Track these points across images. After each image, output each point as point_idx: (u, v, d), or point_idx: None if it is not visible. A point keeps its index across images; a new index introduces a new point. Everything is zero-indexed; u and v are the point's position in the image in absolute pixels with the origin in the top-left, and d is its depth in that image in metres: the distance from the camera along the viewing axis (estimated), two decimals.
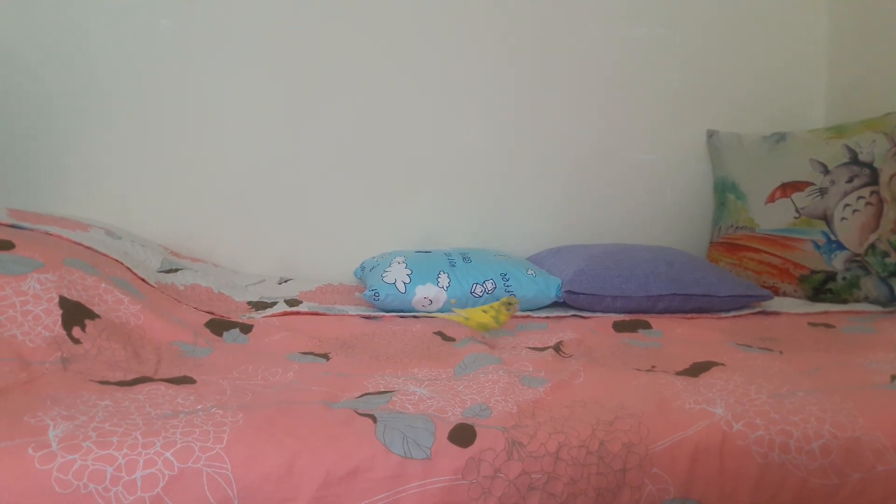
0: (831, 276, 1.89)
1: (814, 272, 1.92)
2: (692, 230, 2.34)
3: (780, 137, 2.07)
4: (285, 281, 2.00)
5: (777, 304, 1.84)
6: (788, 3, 2.31)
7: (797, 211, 1.96)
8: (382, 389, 1.08)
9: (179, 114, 2.06)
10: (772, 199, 2.03)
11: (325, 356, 1.31)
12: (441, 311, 1.70)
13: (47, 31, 1.97)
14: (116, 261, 1.52)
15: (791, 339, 1.45)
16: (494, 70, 2.19)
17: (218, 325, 1.44)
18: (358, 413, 0.94)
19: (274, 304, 1.69)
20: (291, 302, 1.71)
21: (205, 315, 1.49)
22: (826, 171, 1.91)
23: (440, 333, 1.50)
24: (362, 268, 1.99)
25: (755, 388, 1.07)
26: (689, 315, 1.71)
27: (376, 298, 1.67)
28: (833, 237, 1.89)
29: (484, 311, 1.45)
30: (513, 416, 0.97)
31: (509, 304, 1.46)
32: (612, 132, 2.27)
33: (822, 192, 1.91)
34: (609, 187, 2.29)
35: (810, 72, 2.34)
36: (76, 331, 1.19)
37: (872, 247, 1.83)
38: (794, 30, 2.32)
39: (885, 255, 1.81)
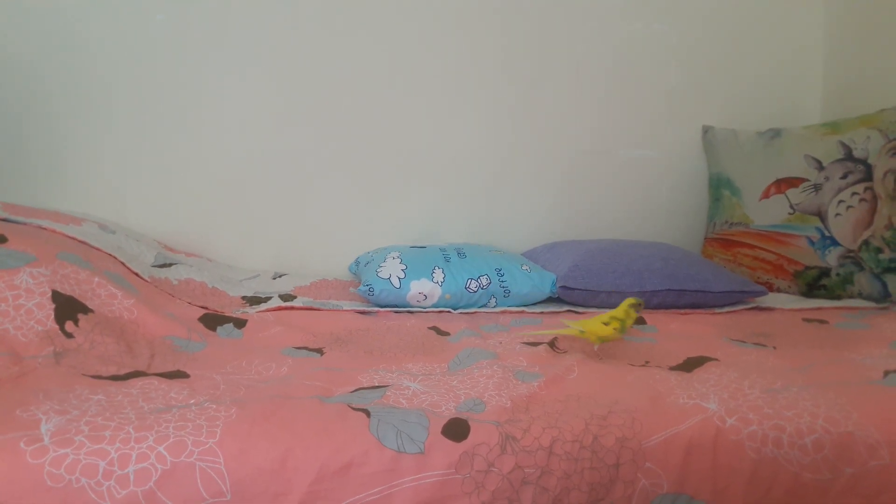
0: (825, 272, 1.89)
1: (808, 268, 1.92)
2: (687, 226, 2.34)
3: (775, 133, 2.07)
4: (280, 276, 2.00)
5: (771, 299, 1.85)
6: (784, 0, 2.31)
7: (791, 207, 1.96)
8: (376, 384, 1.08)
9: (177, 111, 2.06)
10: (766, 195, 2.03)
11: (320, 351, 1.30)
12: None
13: (44, 28, 1.96)
14: (110, 255, 1.51)
15: (785, 335, 1.45)
16: (490, 67, 2.19)
17: (212, 320, 1.44)
18: (352, 408, 0.94)
19: (268, 299, 1.69)
20: (286, 297, 1.71)
21: (199, 310, 1.48)
22: (820, 167, 1.92)
23: (434, 328, 1.50)
24: (357, 263, 1.98)
25: (749, 384, 1.07)
26: (683, 311, 1.71)
27: (371, 293, 1.67)
28: (827, 233, 1.89)
29: (605, 324, 1.25)
30: (506, 410, 0.97)
31: (638, 304, 1.27)
32: (608, 128, 2.27)
33: (817, 188, 1.92)
34: (604, 183, 2.29)
35: (806, 68, 2.34)
36: (69, 325, 1.18)
37: (866, 243, 1.83)
38: (790, 26, 2.32)
39: (879, 251, 1.82)
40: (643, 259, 1.77)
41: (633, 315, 1.25)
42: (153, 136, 2.05)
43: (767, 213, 2.02)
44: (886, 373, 1.12)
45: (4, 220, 1.45)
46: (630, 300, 1.26)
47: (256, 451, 0.85)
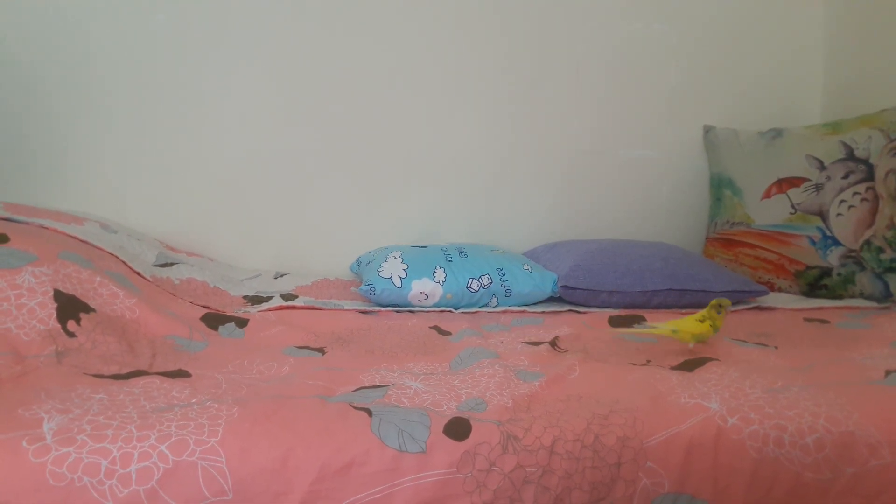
0: (826, 272, 1.89)
1: (809, 268, 1.92)
2: (688, 226, 2.34)
3: (777, 133, 2.07)
4: (281, 276, 2.00)
5: (772, 299, 1.84)
6: (785, 0, 2.31)
7: (793, 207, 1.96)
8: (378, 383, 1.08)
9: (177, 110, 2.06)
10: (768, 194, 2.03)
11: (321, 350, 1.31)
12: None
13: (45, 28, 1.96)
14: (112, 254, 1.51)
15: (786, 335, 1.45)
16: (491, 67, 2.19)
17: (213, 320, 1.44)
18: (353, 407, 0.94)
19: (270, 298, 1.69)
20: (287, 296, 1.71)
21: (200, 309, 1.48)
22: (822, 166, 1.92)
23: (436, 328, 1.50)
24: (358, 262, 1.99)
25: (750, 383, 1.07)
26: (684, 310, 1.71)
27: (372, 293, 1.67)
28: (828, 233, 1.89)
29: (700, 321, 1.28)
30: (508, 409, 0.97)
31: (720, 305, 1.30)
32: (609, 128, 2.27)
33: (818, 187, 1.92)
34: (605, 183, 2.29)
35: (807, 68, 2.34)
36: (71, 324, 1.19)
37: (868, 243, 1.83)
38: (790, 26, 2.32)
39: (881, 250, 1.82)
40: (644, 259, 1.77)
41: (723, 315, 1.29)
42: (154, 136, 2.05)
43: (769, 213, 2.02)
44: (888, 372, 1.12)
45: (6, 219, 1.45)
46: (715, 302, 1.30)
47: (258, 450, 0.85)
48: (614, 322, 1.58)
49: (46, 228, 1.47)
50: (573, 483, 0.89)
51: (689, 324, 1.28)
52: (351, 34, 2.11)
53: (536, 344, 1.34)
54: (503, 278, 1.73)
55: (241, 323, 1.44)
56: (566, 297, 1.75)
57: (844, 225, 1.87)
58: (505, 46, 2.19)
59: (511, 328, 1.51)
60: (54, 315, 1.18)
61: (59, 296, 1.22)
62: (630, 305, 1.72)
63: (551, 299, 1.81)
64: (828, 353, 1.28)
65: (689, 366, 1.19)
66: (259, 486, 0.83)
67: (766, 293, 1.79)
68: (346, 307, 1.65)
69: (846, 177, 1.87)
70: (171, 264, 1.73)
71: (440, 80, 2.17)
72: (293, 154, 2.13)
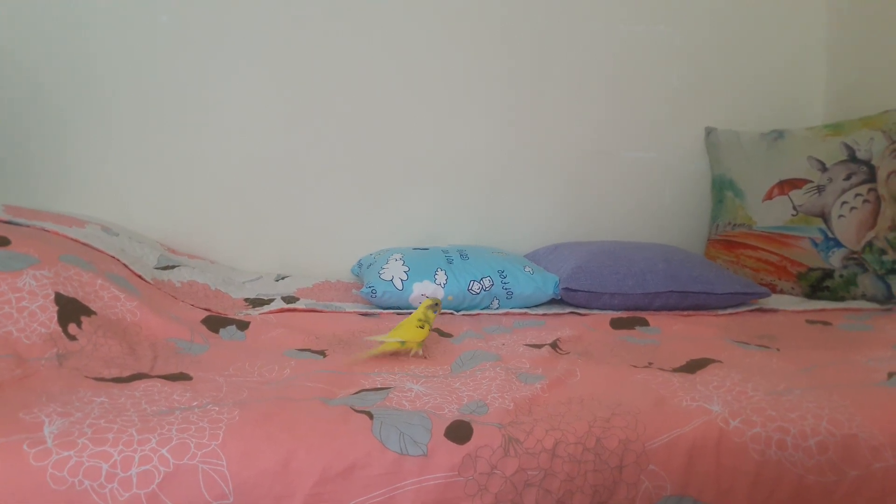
0: (829, 274, 1.89)
1: (811, 269, 1.92)
2: (690, 228, 2.33)
3: (779, 135, 2.07)
4: (282, 278, 2.00)
5: (774, 301, 1.84)
6: (787, 1, 2.30)
7: (795, 208, 1.96)
8: (379, 386, 1.08)
9: (179, 112, 2.06)
10: (769, 196, 2.02)
11: (322, 353, 1.30)
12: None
13: (47, 28, 1.96)
14: (113, 257, 1.51)
15: (788, 337, 1.45)
16: (492, 68, 2.19)
17: (215, 322, 1.44)
18: (354, 410, 0.93)
19: (271, 301, 1.69)
20: (288, 299, 1.71)
21: (202, 312, 1.48)
22: (824, 168, 1.91)
23: (437, 330, 1.50)
24: (359, 265, 1.98)
25: (752, 386, 1.07)
26: (686, 312, 1.71)
27: (373, 295, 1.67)
28: (830, 235, 1.89)
29: (420, 327, 1.26)
30: (509, 412, 0.96)
31: (435, 305, 1.32)
32: (611, 130, 2.27)
33: (820, 189, 1.91)
34: (607, 185, 2.29)
35: (809, 70, 2.33)
36: (72, 327, 1.19)
37: (870, 244, 1.83)
38: (792, 27, 2.32)
39: (883, 252, 1.81)
40: (646, 261, 1.77)
41: (433, 316, 1.29)
42: (156, 138, 2.05)
43: (770, 215, 2.02)
44: (890, 374, 1.12)
45: (7, 222, 1.45)
46: (428, 301, 1.32)
47: (259, 453, 0.84)
48: (616, 324, 1.58)
49: (47, 231, 1.47)
50: (575, 486, 0.89)
51: (412, 332, 1.25)
52: (353, 36, 2.11)
53: (538, 346, 1.34)
54: (504, 280, 1.73)
55: (243, 325, 1.44)
56: (567, 299, 1.75)
57: (846, 226, 1.86)
58: (507, 48, 2.19)
59: (512, 330, 1.51)
60: (55, 318, 1.18)
61: (60, 298, 1.21)
62: (632, 307, 1.72)
63: (553, 301, 1.80)
64: (830, 355, 1.28)
65: (691, 368, 1.18)
66: (260, 490, 0.83)
67: (768, 295, 1.78)
68: (347, 309, 1.65)
69: (848, 178, 1.87)
70: (173, 267, 1.73)
71: (442, 82, 2.17)
72: (295, 156, 2.13)
